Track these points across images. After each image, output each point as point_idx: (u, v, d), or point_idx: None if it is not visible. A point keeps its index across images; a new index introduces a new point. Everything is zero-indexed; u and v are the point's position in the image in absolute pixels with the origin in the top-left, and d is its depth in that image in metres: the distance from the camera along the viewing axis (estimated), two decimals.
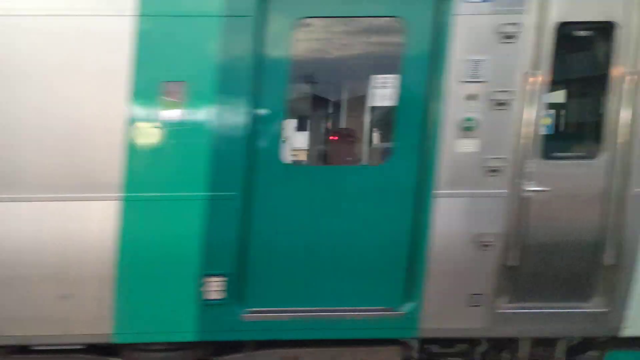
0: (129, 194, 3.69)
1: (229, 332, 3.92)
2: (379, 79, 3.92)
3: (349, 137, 4.73)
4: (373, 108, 4.28)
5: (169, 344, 3.98)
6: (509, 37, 3.71)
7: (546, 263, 3.93)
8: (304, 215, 3.83)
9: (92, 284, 3.75)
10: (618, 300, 3.95)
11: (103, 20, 3.56)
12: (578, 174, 3.89)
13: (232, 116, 3.68)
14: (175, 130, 3.66)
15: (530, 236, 3.89)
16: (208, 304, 3.85)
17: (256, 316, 3.88)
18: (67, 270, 3.74)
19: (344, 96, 4.92)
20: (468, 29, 3.70)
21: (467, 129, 3.76)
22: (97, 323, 3.82)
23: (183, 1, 3.69)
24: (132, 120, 3.64)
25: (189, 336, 3.90)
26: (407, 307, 3.92)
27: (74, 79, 3.61)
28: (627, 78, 3.76)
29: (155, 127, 3.66)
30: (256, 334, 3.94)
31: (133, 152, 3.66)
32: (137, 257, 3.74)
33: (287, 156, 4.24)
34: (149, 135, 3.67)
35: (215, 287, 3.84)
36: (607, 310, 3.96)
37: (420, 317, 3.92)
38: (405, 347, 4.17)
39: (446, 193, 3.81)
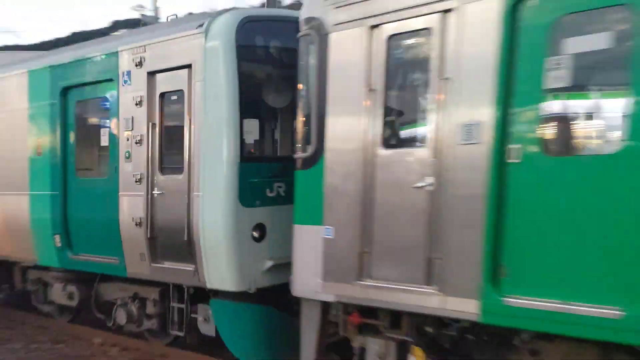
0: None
1: (68, 263, 7.74)
2: None
3: None
4: None
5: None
6: (138, 103, 6.56)
7: (169, 237, 6.42)
8: None
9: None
10: (198, 264, 6.11)
11: None
12: (176, 182, 6.32)
13: None
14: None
15: (158, 219, 6.51)
16: (57, 248, 7.80)
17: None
18: None
19: None
20: (125, 100, 6.71)
21: (127, 157, 6.73)
22: None
23: None
24: None
25: (52, 263, 7.92)
26: None
27: None
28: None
29: None
30: None
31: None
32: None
33: None
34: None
35: (57, 240, 7.76)
36: (192, 269, 6.16)
37: None
38: None
39: (124, 194, 6.83)
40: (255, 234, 5.98)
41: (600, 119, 4.15)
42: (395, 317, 4.95)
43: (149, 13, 20.73)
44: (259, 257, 5.96)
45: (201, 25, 5.99)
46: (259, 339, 6.19)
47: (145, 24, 13.51)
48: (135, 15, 21.34)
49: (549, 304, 3.92)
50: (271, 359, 6.22)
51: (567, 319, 3.85)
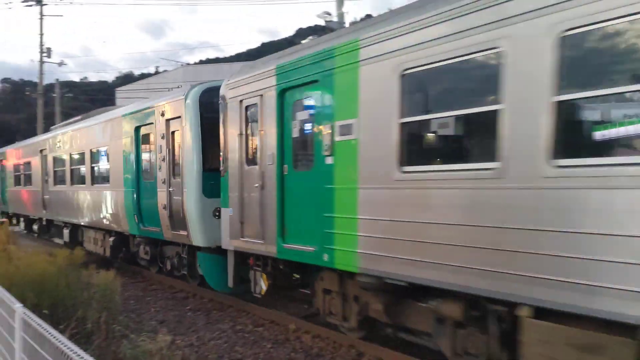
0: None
1: (140, 232, 12.83)
2: None
3: None
4: None
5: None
6: (162, 137, 11.29)
7: (177, 215, 11.05)
8: None
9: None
10: (188, 231, 10.62)
11: None
12: (178, 183, 10.91)
13: None
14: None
15: (172, 205, 11.18)
16: (136, 222, 12.92)
17: None
18: None
19: None
20: (155, 135, 11.50)
21: (159, 168, 11.52)
22: None
23: None
24: None
25: (134, 232, 13.09)
26: None
27: None
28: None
29: None
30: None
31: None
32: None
33: None
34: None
35: (135, 218, 12.87)
36: (186, 234, 10.69)
37: None
38: None
39: (159, 190, 11.64)
40: (216, 214, 10.29)
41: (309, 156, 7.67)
42: (264, 259, 8.94)
43: (335, 19, 20.47)
44: (217, 227, 10.26)
45: (184, 94, 10.50)
46: (219, 274, 10.51)
47: (331, 30, 14.57)
48: (321, 22, 21.45)
49: (295, 246, 7.71)
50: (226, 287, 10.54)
51: (300, 253, 7.61)
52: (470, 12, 5.23)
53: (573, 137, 4.71)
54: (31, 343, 4.60)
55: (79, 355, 3.57)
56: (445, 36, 5.46)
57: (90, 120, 16.42)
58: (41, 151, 20.08)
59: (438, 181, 5.63)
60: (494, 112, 5.02)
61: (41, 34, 39.13)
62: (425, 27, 5.68)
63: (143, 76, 73.20)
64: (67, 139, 17.58)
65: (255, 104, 8.51)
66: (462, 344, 5.90)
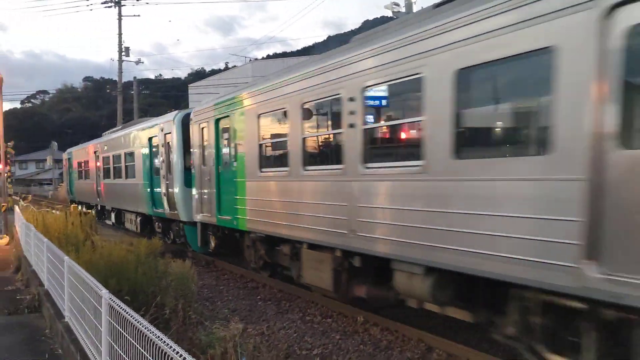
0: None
1: (155, 213, 17.99)
2: None
3: None
4: None
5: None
6: (163, 145, 16.34)
7: (171, 200, 16.10)
8: None
9: None
10: (177, 210, 15.61)
11: None
12: (170, 177, 15.94)
13: None
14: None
15: (167, 193, 16.27)
16: (152, 206, 18.10)
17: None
18: None
19: None
20: (159, 146, 16.58)
21: (161, 167, 16.61)
22: None
23: None
24: None
25: (151, 213, 18.27)
26: None
27: None
28: None
29: None
30: None
31: None
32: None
33: None
34: None
35: (152, 203, 18.07)
36: (177, 212, 15.66)
37: None
38: None
39: (162, 182, 16.75)
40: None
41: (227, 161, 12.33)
42: (213, 227, 13.71)
43: (402, 9, 20.41)
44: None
45: (174, 117, 15.56)
46: (195, 239, 15.36)
47: None
48: (388, 13, 21.50)
49: (223, 217, 12.48)
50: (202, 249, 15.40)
51: (225, 221, 12.38)
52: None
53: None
54: (116, 327, 4.72)
55: (162, 339, 3.62)
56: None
57: (125, 130, 21.89)
58: (95, 152, 25.83)
59: (273, 177, 10.25)
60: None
61: (120, 34, 40.80)
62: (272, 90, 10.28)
63: (213, 72, 76.35)
64: (111, 144, 23.15)
65: (205, 126, 13.32)
66: (296, 270, 10.45)
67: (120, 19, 40.91)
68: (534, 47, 5.26)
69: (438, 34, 6.38)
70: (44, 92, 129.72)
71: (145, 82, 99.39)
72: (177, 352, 3.37)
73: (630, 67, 4.53)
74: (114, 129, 26.34)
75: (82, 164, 29.21)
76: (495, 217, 5.67)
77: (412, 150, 6.99)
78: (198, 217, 14.08)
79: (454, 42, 6.13)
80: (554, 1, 5.04)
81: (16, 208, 20.97)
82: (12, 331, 8.39)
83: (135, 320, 4.21)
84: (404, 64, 6.90)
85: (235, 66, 54.07)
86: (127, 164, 20.64)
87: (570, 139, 4.93)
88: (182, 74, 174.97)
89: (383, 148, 8.11)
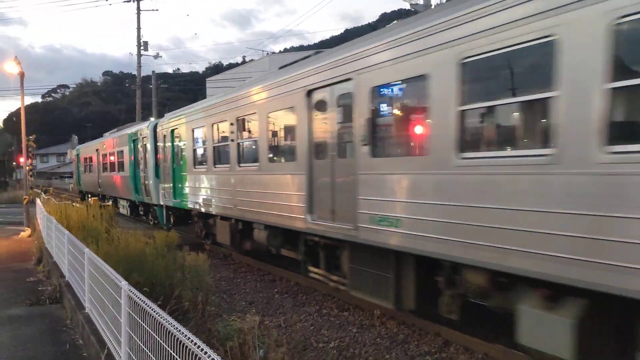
0: None
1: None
2: None
3: None
4: None
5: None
6: (144, 147, 17.53)
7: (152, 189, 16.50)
8: None
9: None
10: (151, 196, 17.43)
11: None
12: (148, 172, 16.37)
13: None
14: None
15: (150, 184, 16.68)
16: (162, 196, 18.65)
17: None
18: None
19: None
20: (144, 147, 17.07)
21: (146, 165, 17.10)
22: None
23: None
24: None
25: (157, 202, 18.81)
26: None
27: None
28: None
29: None
30: None
31: None
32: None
33: None
34: None
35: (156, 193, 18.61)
36: (151, 197, 17.46)
37: None
38: None
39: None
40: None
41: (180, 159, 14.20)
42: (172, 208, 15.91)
43: (420, 2, 19.53)
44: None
45: (148, 125, 18.47)
46: (163, 218, 17.40)
47: (417, 13, 14.48)
48: (406, 6, 20.88)
49: (176, 200, 15.68)
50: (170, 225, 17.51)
51: (177, 203, 15.19)
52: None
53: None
54: (136, 318, 4.76)
55: (180, 330, 3.63)
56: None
57: (119, 132, 25.52)
58: (97, 150, 29.34)
59: (200, 172, 13.67)
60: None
61: (139, 28, 40.70)
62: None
63: (231, 66, 75.09)
64: (107, 143, 26.91)
65: (166, 134, 17.06)
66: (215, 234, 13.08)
67: (139, 14, 41.03)
68: None
69: None
70: (65, 86, 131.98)
71: (163, 76, 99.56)
72: (197, 344, 3.32)
73: None
74: (112, 130, 29.93)
75: (87, 160, 32.74)
76: None
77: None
78: (162, 201, 17.86)
79: None
80: None
81: (37, 200, 21.31)
82: (34, 322, 8.52)
83: (155, 312, 4.21)
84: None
85: (252, 60, 53.90)
86: (118, 160, 24.24)
87: None
88: (199, 68, 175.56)
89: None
